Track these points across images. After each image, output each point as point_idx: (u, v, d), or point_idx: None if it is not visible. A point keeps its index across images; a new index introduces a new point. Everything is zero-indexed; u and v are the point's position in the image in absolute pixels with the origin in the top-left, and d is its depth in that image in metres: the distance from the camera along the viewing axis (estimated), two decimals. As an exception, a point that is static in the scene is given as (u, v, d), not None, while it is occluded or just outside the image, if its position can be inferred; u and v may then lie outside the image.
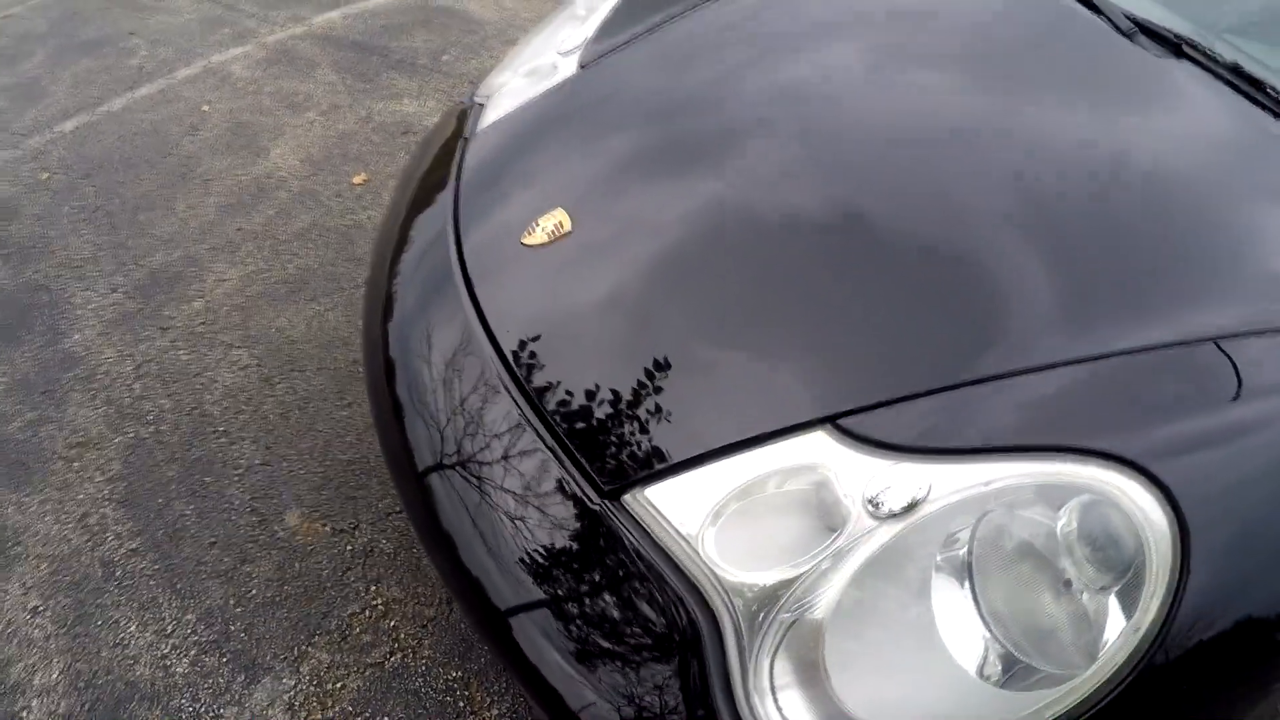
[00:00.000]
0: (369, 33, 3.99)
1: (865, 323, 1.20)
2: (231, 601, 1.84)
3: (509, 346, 1.31)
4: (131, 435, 2.19)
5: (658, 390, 1.19)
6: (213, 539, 1.95)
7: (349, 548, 1.92)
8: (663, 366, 1.21)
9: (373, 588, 1.85)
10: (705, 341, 1.23)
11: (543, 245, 1.40)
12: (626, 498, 1.12)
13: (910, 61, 1.60)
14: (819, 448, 1.08)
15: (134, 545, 1.95)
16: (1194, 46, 1.54)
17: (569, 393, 1.23)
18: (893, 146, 1.43)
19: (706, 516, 1.08)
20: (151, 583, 1.88)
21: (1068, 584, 0.99)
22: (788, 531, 1.07)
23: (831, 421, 1.09)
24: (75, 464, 2.13)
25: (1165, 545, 0.95)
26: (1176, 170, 1.37)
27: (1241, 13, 1.81)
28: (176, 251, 2.77)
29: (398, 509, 2.00)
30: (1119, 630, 0.95)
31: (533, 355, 1.29)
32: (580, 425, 1.20)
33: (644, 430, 1.16)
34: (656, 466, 1.13)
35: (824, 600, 1.00)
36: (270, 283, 2.64)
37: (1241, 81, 1.47)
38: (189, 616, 1.82)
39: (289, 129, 3.36)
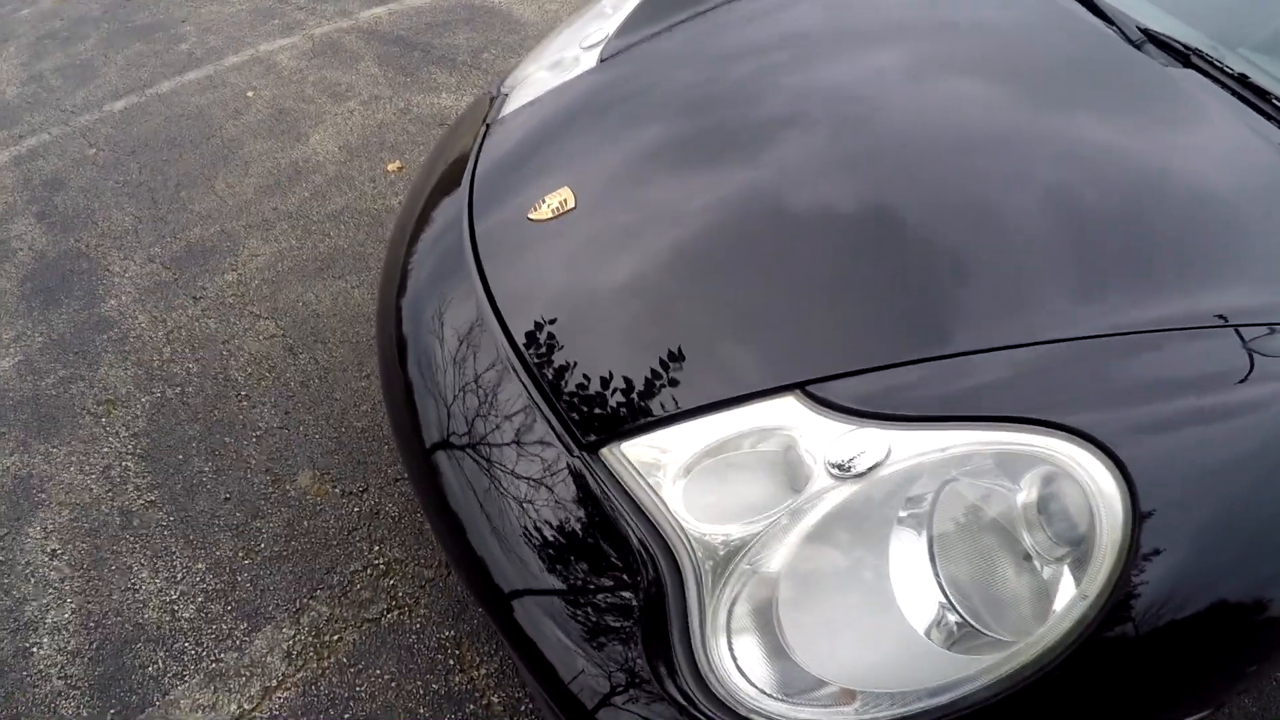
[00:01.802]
0: (413, 29, 4.08)
1: (841, 298, 1.24)
2: (240, 553, 1.91)
3: (511, 316, 1.37)
4: (158, 395, 2.28)
5: (641, 354, 1.24)
6: (227, 495, 2.03)
7: (356, 509, 1.99)
8: (648, 333, 1.26)
9: (376, 548, 1.91)
10: (690, 310, 1.28)
11: (548, 220, 1.47)
12: (604, 451, 1.18)
13: (913, 62, 1.64)
14: (788, 411, 1.12)
15: (152, 497, 2.04)
16: (1201, 56, 1.57)
17: (559, 355, 1.29)
18: (887, 137, 1.47)
19: (677, 471, 1.13)
20: (166, 533, 1.96)
21: (1028, 557, 1.01)
22: (755, 489, 1.11)
23: (801, 387, 1.13)
24: (103, 419, 2.23)
25: (1117, 518, 0.97)
26: (1174, 170, 1.39)
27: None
28: (213, 227, 2.88)
29: (405, 475, 2.07)
30: (1069, 598, 0.97)
31: (529, 322, 1.35)
32: (566, 384, 1.26)
33: (625, 389, 1.21)
34: (634, 423, 1.18)
35: (781, 555, 1.04)
36: (301, 259, 2.73)
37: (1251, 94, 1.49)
38: (199, 565, 1.90)
39: (329, 117, 3.46)
